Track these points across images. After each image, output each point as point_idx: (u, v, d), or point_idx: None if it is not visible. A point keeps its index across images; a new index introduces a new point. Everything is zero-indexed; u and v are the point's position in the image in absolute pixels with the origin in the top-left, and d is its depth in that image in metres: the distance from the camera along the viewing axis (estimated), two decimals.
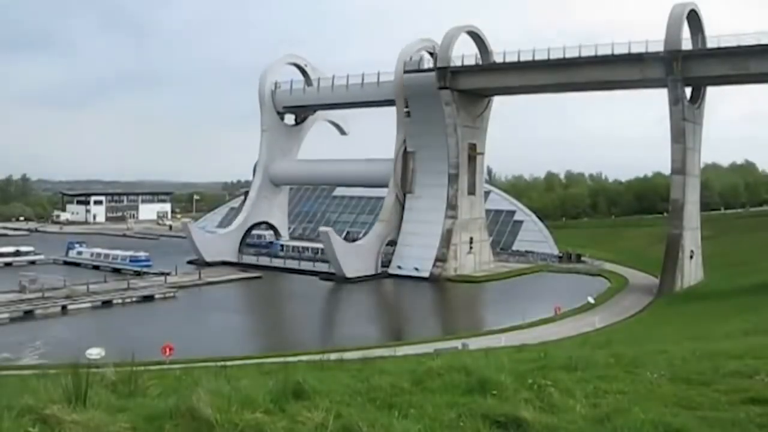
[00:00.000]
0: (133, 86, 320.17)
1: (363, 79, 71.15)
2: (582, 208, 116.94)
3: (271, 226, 79.94)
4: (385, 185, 71.14)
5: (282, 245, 75.65)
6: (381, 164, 71.40)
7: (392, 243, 69.50)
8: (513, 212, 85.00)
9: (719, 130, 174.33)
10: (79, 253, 72.83)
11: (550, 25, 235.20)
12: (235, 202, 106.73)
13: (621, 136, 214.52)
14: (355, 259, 64.69)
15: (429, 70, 66.67)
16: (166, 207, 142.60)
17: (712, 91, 63.43)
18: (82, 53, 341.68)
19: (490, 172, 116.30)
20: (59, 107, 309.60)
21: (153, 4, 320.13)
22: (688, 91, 59.58)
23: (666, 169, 68.49)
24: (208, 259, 70.87)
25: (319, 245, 68.27)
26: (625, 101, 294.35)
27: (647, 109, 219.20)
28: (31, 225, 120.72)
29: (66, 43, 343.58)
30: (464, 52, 66.71)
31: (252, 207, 77.84)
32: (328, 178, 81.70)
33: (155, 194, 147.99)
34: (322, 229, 67.15)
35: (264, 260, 72.44)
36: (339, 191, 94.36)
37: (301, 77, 78.84)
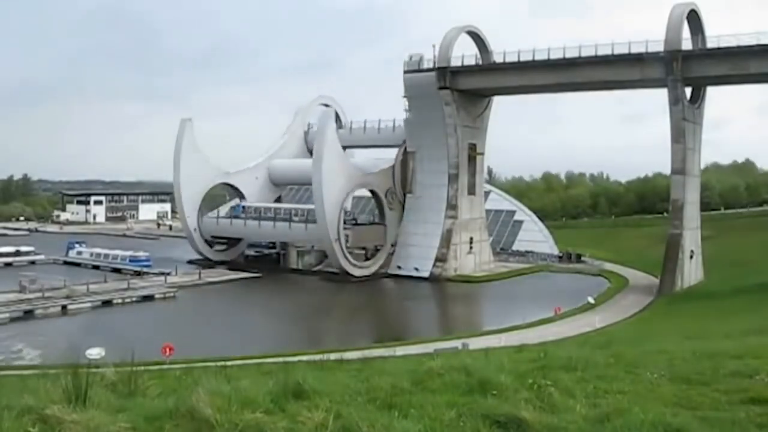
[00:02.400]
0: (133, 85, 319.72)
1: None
2: (582, 209, 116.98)
3: (235, 190, 77.30)
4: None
5: (244, 207, 73.88)
6: (382, 164, 71.53)
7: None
8: (513, 212, 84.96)
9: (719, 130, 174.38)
10: (79, 253, 72.84)
11: (551, 25, 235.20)
12: (235, 202, 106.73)
13: (621, 136, 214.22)
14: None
15: (429, 70, 66.66)
16: (166, 207, 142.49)
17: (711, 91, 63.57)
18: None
19: (490, 172, 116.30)
20: (60, 107, 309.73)
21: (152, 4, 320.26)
22: (688, 91, 59.61)
23: (666, 169, 68.55)
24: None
25: (290, 206, 67.77)
26: (626, 101, 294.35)
27: (648, 108, 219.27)
28: (31, 225, 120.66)
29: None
30: (464, 52, 66.80)
31: None
32: None
33: (155, 194, 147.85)
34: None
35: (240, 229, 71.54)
36: None
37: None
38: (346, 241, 63.96)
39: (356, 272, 64.97)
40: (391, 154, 72.31)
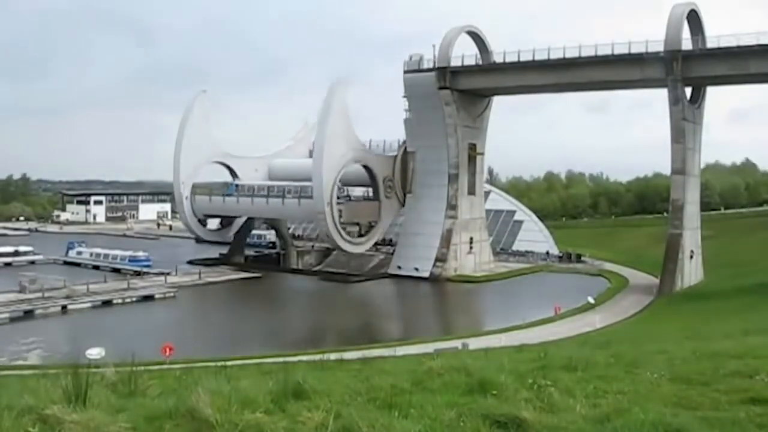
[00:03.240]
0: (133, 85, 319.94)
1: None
2: (582, 208, 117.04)
3: (231, 172, 76.00)
4: None
5: (237, 185, 72.99)
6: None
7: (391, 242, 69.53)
8: (513, 212, 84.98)
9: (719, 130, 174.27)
10: (79, 253, 72.82)
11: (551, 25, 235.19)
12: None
13: (621, 136, 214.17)
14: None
15: (429, 70, 66.65)
16: (166, 207, 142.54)
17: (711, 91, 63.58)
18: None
19: (490, 172, 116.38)
20: (58, 106, 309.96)
21: (152, 10, 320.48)
22: (688, 91, 59.62)
23: (666, 169, 68.59)
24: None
25: (283, 183, 67.67)
26: (626, 101, 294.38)
27: (648, 108, 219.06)
28: (31, 225, 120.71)
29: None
30: (464, 52, 66.79)
31: None
32: None
33: (155, 194, 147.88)
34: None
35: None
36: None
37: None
38: (340, 216, 62.96)
39: (349, 248, 64.42)
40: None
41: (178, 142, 71.18)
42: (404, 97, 69.13)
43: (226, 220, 74.60)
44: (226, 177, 76.48)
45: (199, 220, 73.06)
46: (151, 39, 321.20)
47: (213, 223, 76.46)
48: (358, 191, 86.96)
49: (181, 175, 71.13)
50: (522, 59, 63.21)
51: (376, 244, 79.50)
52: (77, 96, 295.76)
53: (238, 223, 75.33)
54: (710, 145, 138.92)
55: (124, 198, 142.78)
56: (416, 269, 65.52)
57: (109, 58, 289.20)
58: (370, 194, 71.22)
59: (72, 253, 73.30)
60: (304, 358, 16.79)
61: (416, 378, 6.20)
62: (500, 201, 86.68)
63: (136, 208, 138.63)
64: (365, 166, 67.36)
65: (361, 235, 66.98)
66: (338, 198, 65.02)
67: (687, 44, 57.21)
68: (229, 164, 75.53)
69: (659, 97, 58.84)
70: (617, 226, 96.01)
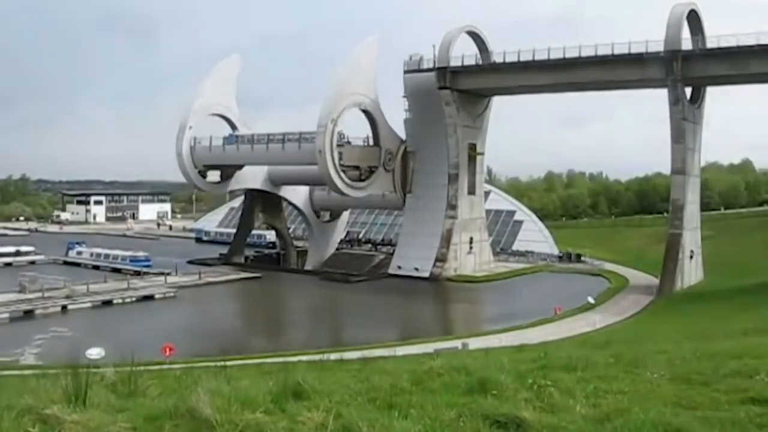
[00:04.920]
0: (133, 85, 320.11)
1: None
2: (582, 208, 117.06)
3: (227, 120, 74.69)
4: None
5: (237, 136, 71.82)
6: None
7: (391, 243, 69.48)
8: (513, 212, 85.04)
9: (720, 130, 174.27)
10: (79, 253, 72.87)
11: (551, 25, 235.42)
12: (235, 202, 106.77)
13: (621, 136, 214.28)
14: None
15: (429, 70, 66.64)
16: (166, 207, 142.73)
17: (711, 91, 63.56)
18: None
19: (490, 172, 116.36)
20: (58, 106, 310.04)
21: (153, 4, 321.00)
22: (688, 91, 59.61)
23: (666, 169, 68.58)
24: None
25: (283, 131, 67.33)
26: (626, 101, 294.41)
27: (647, 109, 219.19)
28: (31, 225, 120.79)
29: None
30: (464, 53, 66.76)
31: None
32: None
33: (155, 194, 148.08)
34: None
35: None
36: None
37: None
38: (340, 158, 62.33)
39: (349, 191, 63.71)
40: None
41: (200, 88, 72.09)
42: (404, 97, 69.12)
43: (226, 173, 73.39)
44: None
45: (200, 172, 72.19)
46: (153, 39, 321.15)
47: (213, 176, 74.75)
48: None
49: (190, 118, 70.88)
50: (522, 59, 63.19)
51: (376, 244, 79.64)
52: (77, 96, 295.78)
53: (237, 181, 74.59)
54: (710, 145, 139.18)
55: (124, 198, 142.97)
56: (416, 269, 65.51)
57: (110, 58, 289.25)
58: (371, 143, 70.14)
59: (72, 253, 73.35)
60: (304, 358, 16.78)
61: (416, 378, 6.20)
62: (500, 201, 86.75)
63: (136, 208, 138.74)
64: (367, 112, 66.27)
65: (361, 180, 65.90)
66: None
67: (687, 44, 57.21)
68: (228, 117, 74.38)
69: (659, 97, 58.85)
70: (617, 226, 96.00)
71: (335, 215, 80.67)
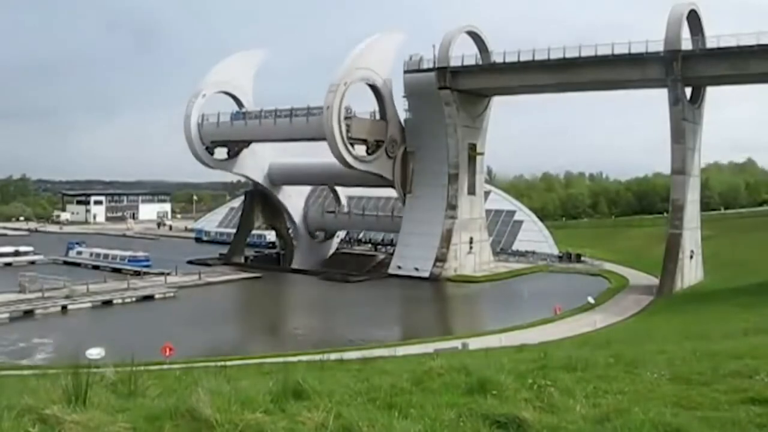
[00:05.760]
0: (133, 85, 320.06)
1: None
2: (582, 208, 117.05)
3: (233, 98, 75.22)
4: (383, 185, 70.98)
5: (245, 112, 72.29)
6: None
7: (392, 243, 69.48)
8: (513, 212, 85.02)
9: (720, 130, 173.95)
10: (79, 253, 72.87)
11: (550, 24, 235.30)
12: (235, 202, 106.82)
13: (621, 136, 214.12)
14: None
15: (429, 70, 66.63)
16: (166, 207, 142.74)
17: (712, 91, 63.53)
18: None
19: (490, 172, 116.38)
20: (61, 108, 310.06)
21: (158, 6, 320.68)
22: (688, 91, 59.59)
23: (666, 169, 68.55)
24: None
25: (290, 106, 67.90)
26: (626, 101, 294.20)
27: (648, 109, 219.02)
28: (31, 225, 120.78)
29: None
30: (464, 52, 66.74)
31: None
32: (328, 179, 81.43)
33: (155, 194, 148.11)
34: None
35: None
36: (338, 191, 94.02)
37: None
38: (348, 131, 62.88)
39: (356, 164, 64.20)
40: None
41: (221, 65, 73.68)
42: (404, 97, 69.15)
43: (233, 151, 74.04)
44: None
45: (207, 149, 72.64)
46: (153, 39, 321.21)
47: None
48: (358, 191, 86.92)
49: (204, 90, 72.01)
50: (522, 59, 63.17)
51: (376, 244, 79.69)
52: (78, 95, 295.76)
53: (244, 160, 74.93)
54: (710, 145, 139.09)
55: (124, 198, 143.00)
56: (416, 269, 65.51)
57: (110, 58, 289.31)
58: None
59: (72, 253, 73.36)
60: (304, 358, 16.78)
61: (416, 378, 6.20)
62: (500, 201, 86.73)
63: (136, 208, 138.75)
64: (376, 89, 66.98)
65: (369, 153, 66.49)
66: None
67: (687, 44, 57.18)
68: (235, 94, 74.87)
69: (659, 97, 58.88)
70: (617, 226, 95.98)
71: (329, 235, 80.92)
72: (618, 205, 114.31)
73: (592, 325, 40.97)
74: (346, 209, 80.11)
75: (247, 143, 73.70)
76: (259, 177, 76.15)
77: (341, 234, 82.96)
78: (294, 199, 79.08)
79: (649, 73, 57.51)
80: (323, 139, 62.85)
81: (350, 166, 64.34)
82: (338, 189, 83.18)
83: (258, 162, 75.82)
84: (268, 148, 76.33)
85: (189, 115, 71.18)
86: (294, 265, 74.38)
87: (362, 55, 64.71)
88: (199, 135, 71.65)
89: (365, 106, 67.73)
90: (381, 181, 71.63)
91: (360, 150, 65.70)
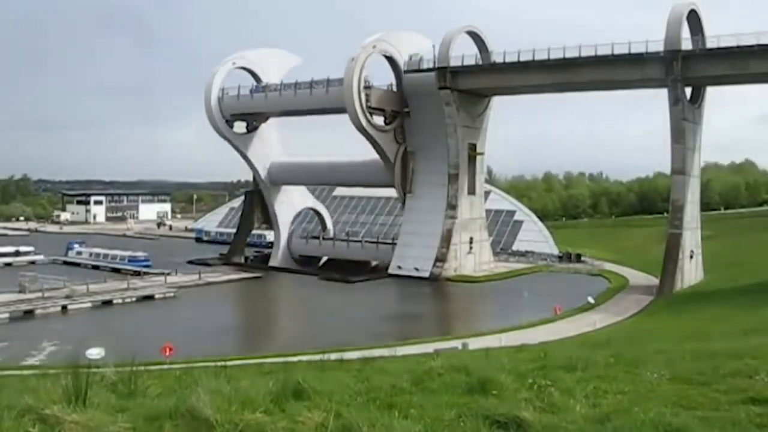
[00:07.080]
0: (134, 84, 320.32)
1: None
2: (582, 208, 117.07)
3: (251, 73, 76.09)
4: (383, 185, 71.00)
5: (264, 86, 72.74)
6: (380, 164, 71.32)
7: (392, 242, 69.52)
8: (513, 212, 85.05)
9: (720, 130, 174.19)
10: (79, 253, 72.88)
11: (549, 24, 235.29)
12: (235, 202, 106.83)
13: (621, 136, 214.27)
14: None
15: (429, 70, 66.64)
16: (166, 207, 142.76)
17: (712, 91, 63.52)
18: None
19: (490, 172, 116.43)
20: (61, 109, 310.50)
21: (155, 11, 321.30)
22: (688, 91, 59.58)
23: (666, 169, 68.55)
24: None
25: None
26: (626, 101, 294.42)
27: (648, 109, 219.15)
28: (31, 225, 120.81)
29: None
30: (464, 53, 66.74)
31: None
32: (328, 179, 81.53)
33: (155, 194, 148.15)
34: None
35: None
36: (339, 191, 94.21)
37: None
38: (367, 99, 64.15)
39: (375, 134, 65.72)
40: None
41: (243, 53, 75.53)
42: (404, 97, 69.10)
43: (252, 125, 74.96)
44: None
45: (227, 122, 73.32)
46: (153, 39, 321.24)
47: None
48: (358, 191, 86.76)
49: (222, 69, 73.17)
50: (522, 59, 63.16)
51: (375, 244, 79.52)
52: (77, 95, 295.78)
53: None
54: (710, 145, 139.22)
55: (124, 198, 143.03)
56: (416, 269, 65.50)
57: (110, 58, 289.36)
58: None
59: (72, 253, 73.36)
60: (304, 358, 16.76)
61: (416, 378, 6.20)
62: (500, 201, 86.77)
63: (136, 208, 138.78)
64: (394, 61, 68.41)
65: (386, 123, 67.61)
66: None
67: (687, 44, 57.17)
68: (252, 69, 75.55)
69: (659, 97, 58.87)
70: (617, 226, 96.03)
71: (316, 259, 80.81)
72: (618, 205, 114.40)
73: (592, 325, 40.98)
74: (331, 234, 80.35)
75: (265, 117, 74.84)
76: (263, 168, 76.31)
77: (339, 234, 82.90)
78: (290, 206, 78.93)
79: (649, 73, 57.50)
80: (342, 110, 64.15)
81: (369, 135, 65.47)
82: (324, 214, 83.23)
83: (266, 151, 76.57)
84: (275, 135, 77.98)
85: (209, 86, 72.13)
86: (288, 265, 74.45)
87: (385, 34, 67.31)
88: (219, 108, 72.60)
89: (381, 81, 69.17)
90: (381, 182, 71.69)
91: (378, 120, 67.03)
